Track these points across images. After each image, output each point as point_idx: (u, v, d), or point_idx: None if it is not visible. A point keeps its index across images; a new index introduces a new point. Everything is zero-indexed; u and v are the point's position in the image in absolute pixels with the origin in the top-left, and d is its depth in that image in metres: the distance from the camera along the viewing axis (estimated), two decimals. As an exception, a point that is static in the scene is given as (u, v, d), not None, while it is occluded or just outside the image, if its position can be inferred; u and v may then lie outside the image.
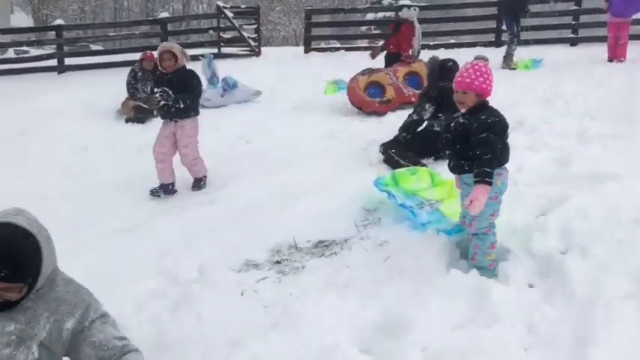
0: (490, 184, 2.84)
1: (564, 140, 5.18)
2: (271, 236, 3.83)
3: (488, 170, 2.84)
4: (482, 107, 3.01)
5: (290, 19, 32.66)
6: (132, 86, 8.72)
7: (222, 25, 15.01)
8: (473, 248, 3.08)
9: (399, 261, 3.24)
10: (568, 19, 14.13)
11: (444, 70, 5.69)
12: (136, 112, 8.22)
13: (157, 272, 3.44)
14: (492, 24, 14.56)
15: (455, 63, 5.72)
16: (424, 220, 3.65)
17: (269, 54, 15.56)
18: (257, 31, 15.35)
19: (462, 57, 12.18)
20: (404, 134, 5.49)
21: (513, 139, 5.16)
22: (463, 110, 3.05)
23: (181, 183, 5.41)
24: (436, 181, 4.24)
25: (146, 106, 8.26)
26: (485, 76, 3.00)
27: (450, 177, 4.19)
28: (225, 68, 12.49)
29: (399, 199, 3.94)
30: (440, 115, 5.39)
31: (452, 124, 3.10)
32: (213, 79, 9.00)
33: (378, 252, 3.46)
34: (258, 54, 15.01)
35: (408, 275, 3.06)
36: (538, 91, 7.98)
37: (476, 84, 2.96)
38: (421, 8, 16.25)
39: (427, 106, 5.50)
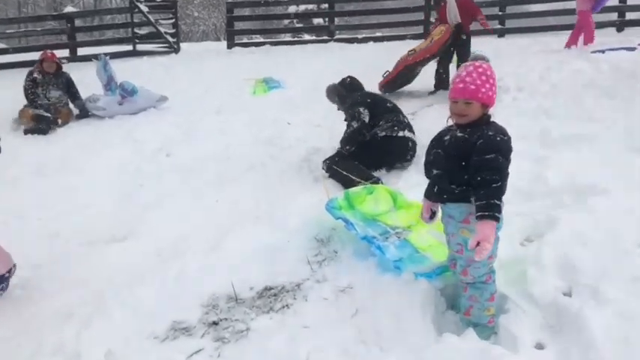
0: (498, 219, 2.20)
1: (528, 144, 4.66)
2: (203, 285, 3.04)
3: (497, 202, 2.20)
4: (485, 120, 2.37)
5: (210, 12, 31.37)
6: (31, 92, 7.54)
7: (136, 21, 13.81)
8: (467, 300, 2.43)
9: (370, 318, 2.55)
10: (495, 10, 13.98)
11: (345, 85, 5.45)
12: (36, 122, 7.08)
13: (52, 351, 2.57)
14: (421, 15, 14.23)
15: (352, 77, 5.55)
16: (393, 256, 2.97)
17: (189, 50, 14.52)
18: (175, 25, 14.28)
19: (393, 51, 11.87)
20: (347, 147, 4.79)
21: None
22: (460, 121, 2.39)
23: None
24: (399, 202, 3.58)
25: (48, 115, 7.16)
26: (492, 81, 2.36)
27: (415, 196, 3.58)
28: (140, 67, 11.51)
29: (359, 229, 3.26)
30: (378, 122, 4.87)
31: (446, 137, 2.43)
32: (110, 84, 7.74)
33: (342, 303, 2.76)
34: (177, 50, 13.95)
35: (387, 341, 2.38)
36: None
37: (482, 91, 2.31)
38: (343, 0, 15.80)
39: (362, 109, 4.88)
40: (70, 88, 7.71)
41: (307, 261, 3.25)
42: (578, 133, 4.64)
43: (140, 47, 13.78)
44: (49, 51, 8.01)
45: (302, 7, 21.04)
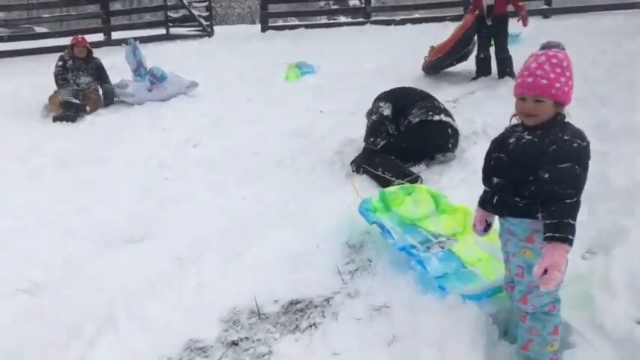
0: (572, 242, 1.83)
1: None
2: (224, 297, 2.75)
3: (572, 222, 1.83)
4: (559, 121, 1.98)
5: (245, -5, 31.08)
6: (61, 77, 7.37)
7: (170, 3, 13.61)
8: (526, 333, 2.06)
9: (410, 347, 2.22)
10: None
11: None
12: (65, 109, 6.91)
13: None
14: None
15: None
16: (437, 271, 2.62)
17: (223, 34, 14.26)
18: (209, 8, 14.02)
19: (431, 34, 11.35)
20: (370, 140, 4.47)
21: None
22: (528, 123, 2.01)
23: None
24: (442, 205, 3.22)
25: (76, 101, 6.98)
26: (568, 74, 1.95)
27: (460, 199, 3.21)
28: (172, 52, 11.31)
29: (396, 237, 2.92)
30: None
31: (511, 141, 2.04)
32: (139, 69, 7.46)
33: (377, 326, 2.43)
34: (210, 34, 13.71)
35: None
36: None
37: (556, 87, 1.91)
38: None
39: (382, 103, 4.62)
40: (100, 74, 7.51)
41: (338, 270, 2.93)
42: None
43: (173, 31, 13.59)
44: (79, 36, 7.83)
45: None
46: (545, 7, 13.09)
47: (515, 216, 2.02)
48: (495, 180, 2.07)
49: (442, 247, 2.81)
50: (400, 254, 2.84)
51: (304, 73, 8.36)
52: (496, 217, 2.23)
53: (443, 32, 11.49)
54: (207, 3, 14.00)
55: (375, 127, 4.47)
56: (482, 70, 7.19)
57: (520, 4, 7.08)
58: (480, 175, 3.71)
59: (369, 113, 4.66)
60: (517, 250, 2.04)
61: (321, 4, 22.17)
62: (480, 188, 3.55)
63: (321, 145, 5.11)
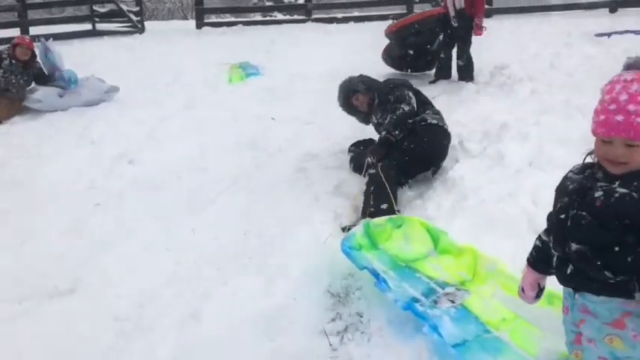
0: None
1: (569, 150, 3.81)
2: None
3: None
4: None
5: (176, -11, 29.76)
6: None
7: (95, -3, 12.60)
8: None
9: None
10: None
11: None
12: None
13: None
14: (404, -6, 13.31)
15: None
16: (453, 337, 2.08)
17: (154, 30, 13.35)
18: (139, 3, 13.05)
19: (374, 32, 10.96)
20: (396, 132, 3.87)
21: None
22: (615, 171, 1.50)
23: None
24: (442, 243, 2.69)
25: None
26: None
27: (459, 234, 2.71)
28: (100, 49, 10.35)
29: (392, 286, 2.37)
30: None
31: (597, 195, 1.48)
32: (55, 73, 6.44)
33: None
34: (141, 30, 12.79)
35: None
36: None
37: None
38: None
39: (410, 93, 4.05)
40: (39, 82, 6.52)
41: (324, 331, 2.36)
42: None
43: (100, 27, 12.56)
44: (26, 36, 6.81)
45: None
46: (487, 6, 12.95)
47: (601, 293, 1.50)
48: (575, 246, 1.52)
49: (452, 302, 2.29)
50: (399, 307, 2.31)
51: (249, 74, 7.71)
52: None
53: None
54: (137, -3, 13.05)
55: (405, 118, 3.89)
56: (443, 72, 6.85)
57: (481, 12, 6.79)
58: (473, 201, 3.28)
59: (398, 100, 3.97)
60: (599, 336, 1.52)
61: (255, 0, 21.41)
62: (477, 218, 3.10)
63: (278, 160, 4.51)
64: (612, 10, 12.19)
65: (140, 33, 12.67)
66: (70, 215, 3.66)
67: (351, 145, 4.40)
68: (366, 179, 3.58)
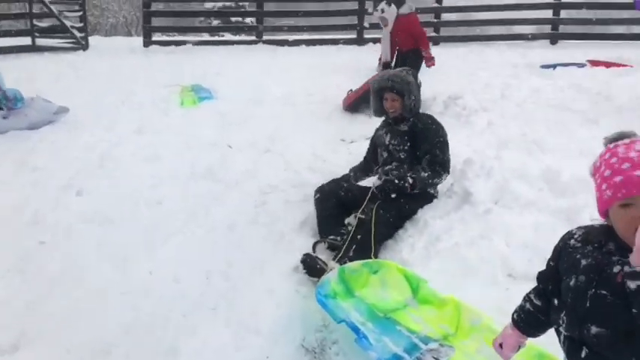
0: None
1: (532, 188, 3.84)
2: None
3: None
4: None
5: (120, 4, 29.11)
6: None
7: (36, 11, 12.02)
8: None
9: None
10: (430, 17, 13.43)
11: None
12: None
13: None
14: (355, 20, 13.43)
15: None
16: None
17: (99, 46, 12.89)
18: (83, 19, 12.58)
19: (327, 56, 10.94)
20: (388, 187, 3.51)
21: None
22: None
23: None
24: (422, 292, 2.59)
25: None
26: None
27: (439, 282, 2.62)
28: (41, 66, 9.87)
29: (374, 343, 2.24)
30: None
31: (615, 270, 1.36)
32: None
33: None
34: (85, 47, 12.31)
35: None
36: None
37: None
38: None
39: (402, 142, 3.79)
40: None
41: (300, 391, 2.21)
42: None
43: (40, 42, 12.00)
44: None
45: (220, 4, 19.79)
46: (434, 34, 13.26)
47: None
48: (595, 330, 1.39)
49: (436, 359, 2.18)
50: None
51: (201, 98, 7.47)
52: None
53: (338, 55, 11.26)
54: (81, 13, 12.57)
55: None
56: None
57: (426, 45, 6.93)
58: (447, 243, 3.21)
59: (442, 152, 3.67)
60: None
61: (201, 19, 21.13)
62: (452, 263, 3.02)
63: (237, 193, 4.32)
64: (553, 42, 12.70)
65: (84, 50, 12.20)
66: (11, 254, 3.35)
67: (317, 192, 3.78)
68: (353, 220, 3.42)
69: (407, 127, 3.75)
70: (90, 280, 3.09)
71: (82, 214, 3.92)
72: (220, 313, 2.69)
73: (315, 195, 3.76)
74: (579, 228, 1.58)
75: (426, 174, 3.55)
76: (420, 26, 7.26)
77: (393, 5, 6.72)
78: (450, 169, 3.73)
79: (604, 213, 1.43)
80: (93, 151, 5.24)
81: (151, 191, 4.30)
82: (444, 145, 3.69)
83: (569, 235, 1.57)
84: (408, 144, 3.72)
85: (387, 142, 3.84)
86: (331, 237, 3.39)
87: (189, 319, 2.67)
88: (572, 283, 1.47)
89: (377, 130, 4.10)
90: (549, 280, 1.65)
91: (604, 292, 1.38)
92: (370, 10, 12.63)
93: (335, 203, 3.62)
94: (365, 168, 4.18)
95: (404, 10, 6.82)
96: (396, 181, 3.48)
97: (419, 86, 3.91)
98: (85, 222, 3.80)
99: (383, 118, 4.06)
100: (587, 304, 1.41)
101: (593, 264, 1.42)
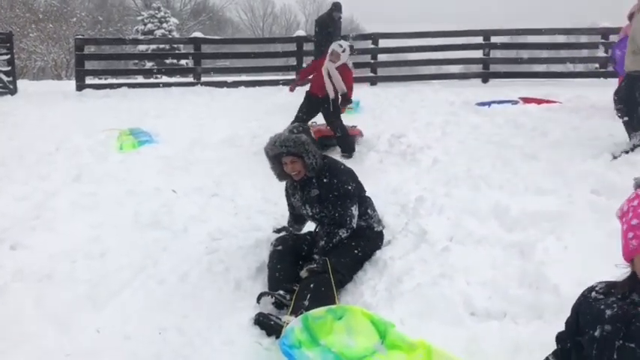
0: None
1: (485, 224, 3.90)
2: None
3: None
4: None
5: (49, 47, 28.32)
6: None
7: (-42, 55, 11.52)
8: None
9: None
10: (367, 58, 13.78)
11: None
12: None
13: None
14: (293, 61, 13.61)
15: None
16: None
17: (28, 91, 12.44)
18: (11, 63, 12.11)
19: (268, 96, 10.94)
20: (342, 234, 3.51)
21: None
22: None
23: None
24: (390, 337, 2.50)
25: None
26: None
27: (407, 325, 2.56)
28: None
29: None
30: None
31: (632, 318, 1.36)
32: None
33: None
34: (13, 92, 11.81)
35: None
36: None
37: None
38: (213, 42, 14.75)
39: (354, 208, 3.61)
40: None
41: None
42: (541, 210, 3.95)
43: (-35, 87, 11.45)
44: None
45: (154, 46, 19.67)
46: (372, 74, 13.60)
47: None
48: None
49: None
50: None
51: (142, 142, 7.24)
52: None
53: (279, 96, 11.29)
54: (8, 56, 12.11)
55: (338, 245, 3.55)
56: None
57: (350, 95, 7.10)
58: (409, 285, 3.16)
59: (341, 209, 3.55)
60: None
61: (135, 61, 20.91)
62: (416, 304, 2.97)
63: (186, 241, 4.15)
64: (484, 81, 13.27)
65: (12, 94, 11.72)
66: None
67: (279, 243, 3.58)
68: (303, 275, 3.28)
69: (317, 190, 3.63)
70: (29, 343, 2.83)
71: (17, 271, 3.61)
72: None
73: (275, 245, 3.56)
74: (600, 282, 1.57)
75: (322, 241, 3.50)
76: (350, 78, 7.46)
77: (347, 52, 6.96)
78: (356, 222, 3.60)
79: (629, 259, 1.42)
80: (27, 201, 4.93)
81: (92, 243, 4.06)
82: (337, 199, 3.56)
83: (589, 289, 1.56)
84: (325, 204, 3.62)
85: (310, 214, 3.74)
86: (280, 292, 3.18)
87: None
88: (597, 333, 1.44)
89: (289, 194, 3.93)
90: (568, 339, 1.63)
91: (632, 345, 1.36)
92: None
93: (292, 260, 3.45)
94: (298, 220, 4.05)
95: (349, 63, 7.07)
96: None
97: (314, 141, 3.79)
98: (20, 280, 3.51)
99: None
100: (615, 356, 1.38)
101: (619, 314, 1.41)
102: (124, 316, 3.10)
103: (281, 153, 3.60)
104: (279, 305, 3.09)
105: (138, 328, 2.95)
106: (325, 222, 3.61)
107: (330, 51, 6.92)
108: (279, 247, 3.52)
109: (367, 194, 3.89)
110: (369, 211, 3.75)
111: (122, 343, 2.82)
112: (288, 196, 3.99)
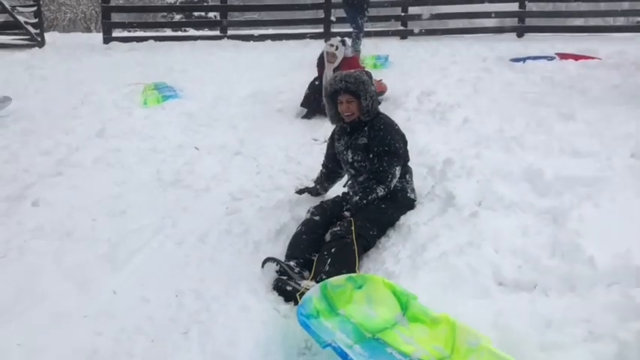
0: None
1: (516, 189, 3.69)
2: None
3: None
4: None
5: (78, -1, 28.15)
6: None
7: (-14, 7, 11.49)
8: None
9: None
10: (398, 11, 13.34)
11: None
12: None
13: None
14: (321, 14, 13.22)
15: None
16: None
17: (56, 43, 12.39)
18: (38, 14, 12.03)
19: (294, 51, 10.69)
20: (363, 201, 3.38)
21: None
22: None
23: None
24: (412, 309, 2.39)
25: None
26: None
27: (431, 298, 2.45)
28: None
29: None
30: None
31: None
32: None
33: None
34: (41, 44, 11.83)
35: None
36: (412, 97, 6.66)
37: None
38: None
39: (398, 169, 3.50)
40: None
41: None
42: (577, 174, 3.73)
43: (-6, 39, 11.47)
44: None
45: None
46: (402, 28, 13.18)
47: None
48: None
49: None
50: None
51: (166, 97, 7.16)
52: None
53: (306, 50, 11.00)
54: (35, 8, 12.04)
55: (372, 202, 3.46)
56: None
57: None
58: (434, 253, 3.04)
59: (388, 164, 3.44)
60: None
61: (163, 14, 20.59)
62: (442, 275, 2.84)
63: (208, 200, 4.08)
64: (519, 35, 12.73)
65: (40, 47, 11.70)
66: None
67: (316, 213, 3.41)
68: (327, 238, 3.17)
69: (365, 139, 3.50)
70: (47, 302, 2.81)
71: (38, 227, 3.61)
72: (193, 339, 2.46)
73: (313, 213, 3.41)
74: None
75: (357, 196, 3.38)
76: (360, 66, 7.17)
77: (343, 46, 6.70)
78: (394, 180, 3.48)
79: None
80: (50, 156, 4.92)
81: (113, 201, 4.03)
82: (386, 154, 3.43)
83: None
84: (370, 156, 3.50)
85: (350, 160, 3.60)
86: (290, 263, 3.04)
87: (158, 346, 2.43)
88: None
89: (334, 139, 3.78)
90: None
91: None
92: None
93: (323, 233, 3.23)
94: (330, 177, 3.93)
95: (348, 52, 6.80)
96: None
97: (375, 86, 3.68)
98: (40, 236, 3.50)
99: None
100: None
101: None
102: (141, 277, 3.06)
103: (339, 90, 3.47)
104: (283, 274, 2.95)
105: (155, 290, 2.90)
106: (364, 173, 3.50)
107: (324, 55, 6.62)
108: (317, 218, 3.37)
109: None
110: (407, 176, 3.63)
111: (139, 306, 2.78)
112: (332, 141, 3.82)
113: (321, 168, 3.96)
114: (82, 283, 3.00)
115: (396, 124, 3.68)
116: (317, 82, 6.53)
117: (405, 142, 3.67)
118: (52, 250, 3.35)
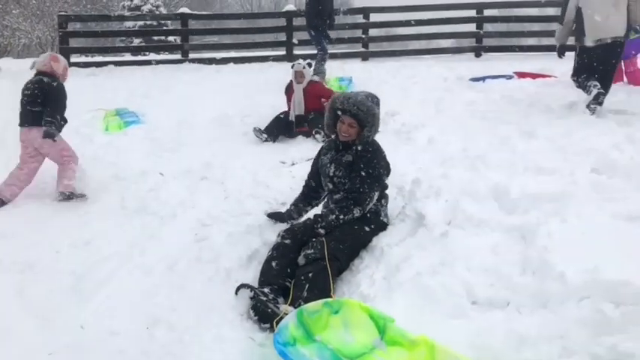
0: None
1: (484, 207, 3.74)
2: None
3: None
4: None
5: (33, 24, 27.61)
6: None
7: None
8: None
9: None
10: (358, 33, 13.53)
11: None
12: None
13: None
14: (283, 36, 13.29)
15: None
16: None
17: (11, 70, 12.02)
18: (-8, 40, 11.72)
19: (257, 73, 10.68)
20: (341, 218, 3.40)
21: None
22: None
23: None
24: (390, 333, 2.37)
25: None
26: None
27: (407, 320, 2.44)
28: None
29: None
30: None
31: None
32: None
33: None
34: (-5, 71, 11.46)
35: None
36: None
37: None
38: (201, 17, 14.36)
39: (376, 194, 3.53)
40: None
41: None
42: (542, 190, 3.81)
43: (-57, 67, 11.11)
44: None
45: (141, 23, 19.13)
46: (363, 49, 13.36)
47: None
48: None
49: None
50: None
51: (128, 122, 7.04)
52: None
53: (270, 72, 11.01)
54: (-11, 34, 11.72)
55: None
56: None
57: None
58: (407, 274, 3.03)
59: (370, 185, 3.46)
60: None
61: (122, 38, 20.38)
62: (417, 296, 2.84)
63: (174, 226, 4.00)
64: (477, 55, 13.04)
65: (-6, 73, 11.38)
66: None
67: (286, 237, 3.37)
68: (301, 261, 3.14)
69: (351, 157, 3.53)
70: (9, 340, 2.69)
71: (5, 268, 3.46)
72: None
73: (283, 237, 3.36)
74: None
75: (333, 215, 3.39)
76: (327, 88, 7.26)
77: (309, 68, 6.85)
78: (372, 200, 3.50)
79: None
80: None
81: (77, 230, 3.91)
82: (368, 177, 3.46)
83: None
84: (352, 175, 3.50)
85: (331, 174, 3.60)
86: (264, 289, 2.98)
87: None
88: None
89: (321, 154, 3.82)
90: None
91: None
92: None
93: (295, 257, 3.21)
94: (308, 197, 3.89)
95: (314, 77, 6.95)
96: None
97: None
98: (2, 271, 3.36)
99: (329, 139, 3.81)
100: None
101: None
102: (109, 309, 2.96)
103: (346, 111, 3.46)
104: (258, 301, 2.86)
105: (124, 322, 2.81)
106: (341, 191, 3.52)
107: (292, 76, 6.70)
108: (288, 241, 3.32)
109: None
110: (382, 201, 3.65)
111: (108, 339, 2.69)
112: (318, 162, 3.81)
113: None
114: (46, 318, 2.89)
115: (384, 152, 3.71)
116: (282, 116, 6.53)
117: (389, 172, 3.72)
118: (13, 282, 3.22)
